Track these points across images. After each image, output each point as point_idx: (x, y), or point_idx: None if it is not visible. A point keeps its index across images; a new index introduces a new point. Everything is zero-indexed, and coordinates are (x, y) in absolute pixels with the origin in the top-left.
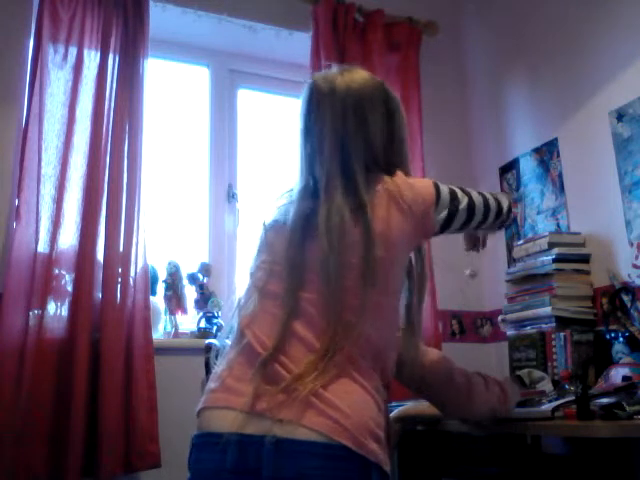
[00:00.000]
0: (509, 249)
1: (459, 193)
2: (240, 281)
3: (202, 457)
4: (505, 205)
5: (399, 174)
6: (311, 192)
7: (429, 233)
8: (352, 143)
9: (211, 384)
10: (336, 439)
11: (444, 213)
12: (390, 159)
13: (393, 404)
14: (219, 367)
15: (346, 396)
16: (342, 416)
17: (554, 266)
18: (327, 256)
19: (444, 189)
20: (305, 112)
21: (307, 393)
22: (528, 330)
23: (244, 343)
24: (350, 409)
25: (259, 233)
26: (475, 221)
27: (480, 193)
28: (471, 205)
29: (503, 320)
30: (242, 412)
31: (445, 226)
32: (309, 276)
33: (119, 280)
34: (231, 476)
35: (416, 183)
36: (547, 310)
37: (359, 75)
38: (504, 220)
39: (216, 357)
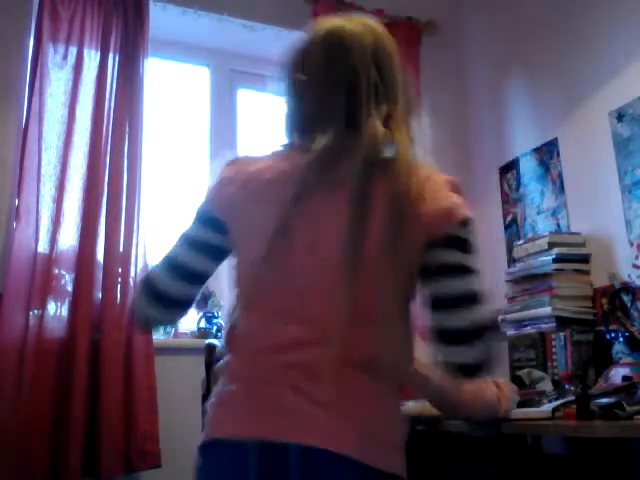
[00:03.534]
0: (509, 249)
1: None
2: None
3: (217, 466)
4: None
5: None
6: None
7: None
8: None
9: (221, 387)
10: (361, 451)
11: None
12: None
13: None
14: (224, 367)
15: (368, 405)
16: (366, 427)
17: (554, 266)
18: (345, 250)
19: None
20: (325, 62)
21: (328, 402)
22: (528, 330)
23: (246, 345)
24: (374, 419)
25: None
26: None
27: None
28: None
29: (503, 320)
30: (261, 420)
31: None
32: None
33: (119, 280)
34: None
35: (431, 178)
36: (547, 310)
37: (370, 23)
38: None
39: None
